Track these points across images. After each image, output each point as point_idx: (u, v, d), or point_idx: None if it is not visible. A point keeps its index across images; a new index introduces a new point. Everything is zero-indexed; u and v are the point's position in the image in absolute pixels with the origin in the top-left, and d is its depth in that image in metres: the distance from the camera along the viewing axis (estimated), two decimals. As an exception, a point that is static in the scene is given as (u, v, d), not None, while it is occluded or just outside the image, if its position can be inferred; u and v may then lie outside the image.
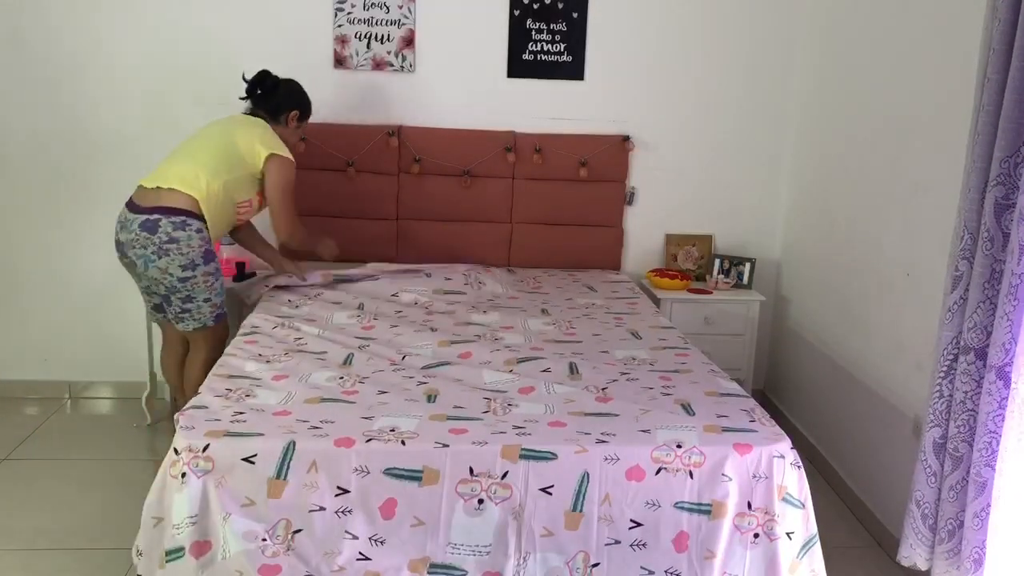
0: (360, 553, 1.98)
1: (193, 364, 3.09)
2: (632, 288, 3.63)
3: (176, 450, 1.96)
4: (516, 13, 3.74)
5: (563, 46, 3.79)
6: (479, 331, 2.90)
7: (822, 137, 3.64)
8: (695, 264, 3.99)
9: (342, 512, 1.98)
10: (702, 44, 3.83)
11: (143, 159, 3.35)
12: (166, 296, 2.95)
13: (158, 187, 2.88)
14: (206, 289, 2.94)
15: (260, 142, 3.01)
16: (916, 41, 2.86)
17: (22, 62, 3.63)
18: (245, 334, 2.76)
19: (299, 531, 1.96)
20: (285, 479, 1.96)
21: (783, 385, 3.99)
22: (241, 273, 3.68)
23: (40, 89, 3.65)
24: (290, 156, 3.08)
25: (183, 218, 2.83)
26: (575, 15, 3.76)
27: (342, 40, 3.71)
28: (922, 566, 2.37)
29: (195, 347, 3.09)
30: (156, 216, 2.82)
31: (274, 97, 3.17)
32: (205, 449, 1.95)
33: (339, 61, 3.73)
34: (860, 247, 3.22)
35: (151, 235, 2.82)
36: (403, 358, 2.60)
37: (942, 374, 2.26)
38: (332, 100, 3.74)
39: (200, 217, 2.88)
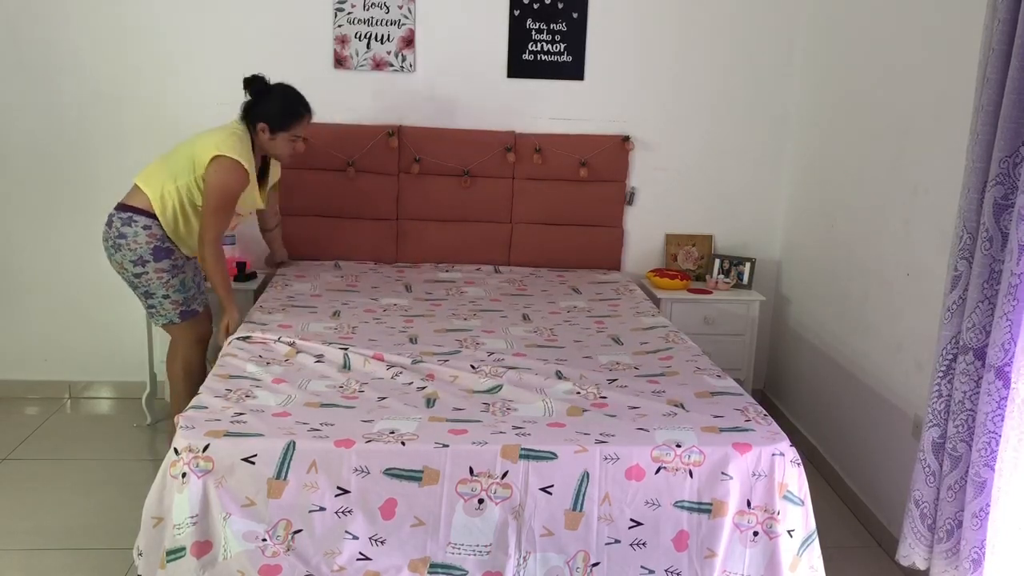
0: (360, 553, 1.98)
1: (171, 361, 3.18)
2: (617, 289, 3.60)
3: (176, 450, 1.96)
4: (516, 13, 3.75)
5: (563, 46, 3.79)
6: (460, 337, 2.85)
7: (822, 137, 3.64)
8: (695, 264, 3.99)
9: (342, 512, 1.98)
10: (702, 44, 3.83)
11: (142, 159, 3.34)
12: (133, 291, 3.07)
13: (134, 185, 3.01)
14: (162, 286, 2.98)
15: (213, 144, 2.90)
16: (916, 41, 2.87)
17: (22, 62, 3.63)
18: (242, 337, 2.74)
19: (299, 531, 1.97)
20: (285, 479, 1.96)
21: (783, 385, 3.99)
22: (242, 272, 3.68)
23: (40, 89, 3.65)
24: (240, 160, 2.89)
25: (130, 214, 2.92)
26: (575, 15, 3.76)
27: (342, 40, 3.71)
28: (921, 565, 2.37)
29: (171, 343, 3.18)
30: (114, 212, 2.96)
31: (252, 105, 3.05)
32: (205, 449, 1.95)
33: (339, 61, 3.73)
34: (860, 247, 3.22)
35: (108, 229, 2.96)
36: (388, 368, 2.54)
37: (941, 374, 2.26)
38: (332, 100, 3.74)
39: (150, 215, 2.93)
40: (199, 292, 3.15)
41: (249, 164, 2.94)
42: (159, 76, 3.68)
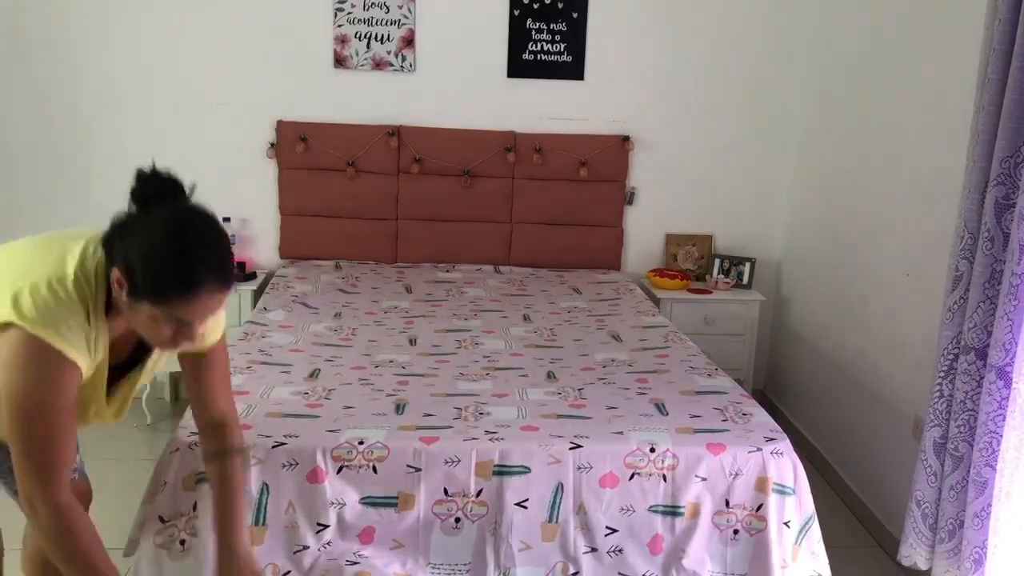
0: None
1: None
2: (617, 289, 3.59)
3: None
4: (516, 13, 3.74)
5: (563, 46, 3.79)
6: (460, 337, 2.84)
7: (822, 137, 3.63)
8: (695, 264, 3.98)
9: (324, 546, 1.96)
10: (702, 44, 3.83)
11: (140, 160, 3.33)
12: None
13: None
14: None
15: (10, 290, 1.47)
16: (916, 41, 2.86)
17: (23, 64, 3.63)
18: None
19: (287, 573, 1.94)
20: (264, 524, 1.93)
21: (783, 385, 3.99)
22: (242, 272, 3.66)
23: (41, 92, 3.64)
24: (49, 339, 1.41)
25: None
26: (575, 15, 3.76)
27: (342, 40, 3.71)
28: (922, 566, 2.37)
29: None
30: None
31: (122, 231, 1.53)
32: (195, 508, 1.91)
33: (339, 61, 3.73)
34: (860, 247, 3.22)
35: None
36: (376, 367, 2.52)
37: (942, 374, 2.26)
38: (332, 100, 3.74)
39: None
40: None
41: (80, 344, 1.46)
42: (158, 76, 3.67)
